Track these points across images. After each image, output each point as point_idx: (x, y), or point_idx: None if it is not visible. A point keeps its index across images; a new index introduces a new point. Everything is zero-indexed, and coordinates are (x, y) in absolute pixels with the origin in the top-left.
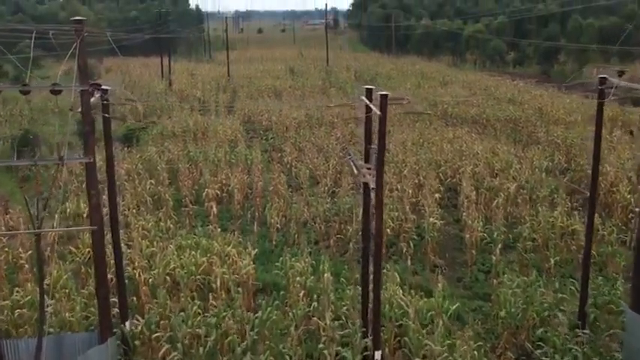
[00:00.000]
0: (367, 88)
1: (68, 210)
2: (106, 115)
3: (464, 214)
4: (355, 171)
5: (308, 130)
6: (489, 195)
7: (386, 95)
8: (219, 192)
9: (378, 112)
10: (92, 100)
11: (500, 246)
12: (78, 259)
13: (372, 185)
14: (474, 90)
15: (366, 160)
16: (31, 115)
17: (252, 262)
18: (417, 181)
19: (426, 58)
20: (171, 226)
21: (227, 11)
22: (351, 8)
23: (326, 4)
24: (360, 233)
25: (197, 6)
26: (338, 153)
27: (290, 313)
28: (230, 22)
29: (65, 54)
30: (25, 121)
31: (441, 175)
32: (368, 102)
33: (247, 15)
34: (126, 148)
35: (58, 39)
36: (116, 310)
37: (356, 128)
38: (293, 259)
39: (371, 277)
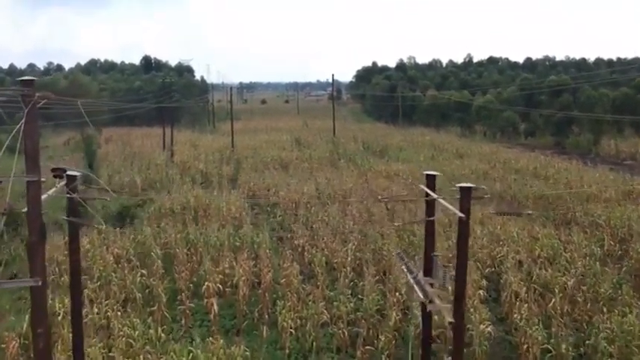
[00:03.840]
0: (428, 174)
1: None
2: (71, 217)
3: (515, 315)
4: (419, 293)
5: (320, 207)
6: (539, 289)
7: (469, 189)
8: (221, 286)
9: (460, 214)
10: (52, 191)
11: None
12: None
13: (450, 318)
14: (493, 163)
15: (427, 273)
16: (21, 189)
17: None
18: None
19: (434, 129)
20: (163, 335)
21: (231, 82)
22: (353, 80)
23: (333, 75)
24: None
25: (202, 77)
26: (357, 237)
27: None
28: (234, 92)
29: (63, 123)
30: (13, 197)
31: (479, 264)
32: (432, 193)
33: (251, 86)
34: (118, 229)
35: (53, 107)
36: None
37: (372, 206)
38: None
39: None
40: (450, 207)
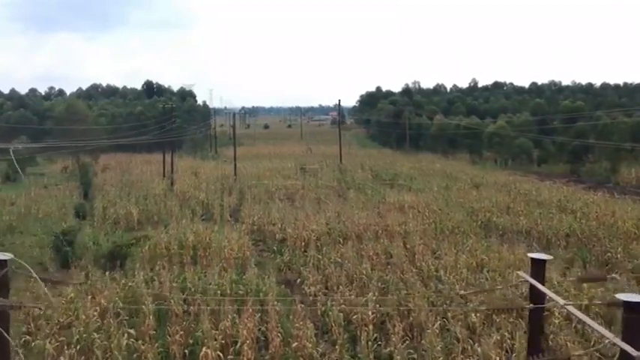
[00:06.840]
0: (534, 259)
1: None
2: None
3: None
4: None
5: (331, 247)
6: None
7: (637, 305)
8: (221, 353)
9: (630, 349)
10: None
11: None
12: None
13: None
14: (513, 194)
15: None
16: (10, 221)
17: None
18: (497, 337)
19: (442, 156)
20: None
21: (233, 107)
22: (357, 104)
23: (339, 100)
24: None
25: (204, 102)
26: (376, 284)
27: None
28: (237, 117)
29: (58, 152)
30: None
31: (521, 321)
32: (553, 296)
33: (253, 111)
34: (108, 273)
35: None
36: None
37: (390, 244)
38: None
39: None
40: (605, 332)
